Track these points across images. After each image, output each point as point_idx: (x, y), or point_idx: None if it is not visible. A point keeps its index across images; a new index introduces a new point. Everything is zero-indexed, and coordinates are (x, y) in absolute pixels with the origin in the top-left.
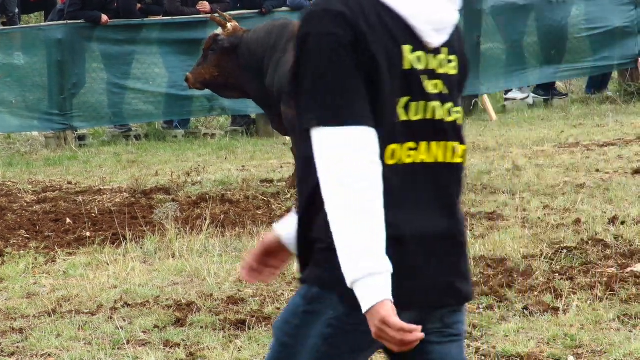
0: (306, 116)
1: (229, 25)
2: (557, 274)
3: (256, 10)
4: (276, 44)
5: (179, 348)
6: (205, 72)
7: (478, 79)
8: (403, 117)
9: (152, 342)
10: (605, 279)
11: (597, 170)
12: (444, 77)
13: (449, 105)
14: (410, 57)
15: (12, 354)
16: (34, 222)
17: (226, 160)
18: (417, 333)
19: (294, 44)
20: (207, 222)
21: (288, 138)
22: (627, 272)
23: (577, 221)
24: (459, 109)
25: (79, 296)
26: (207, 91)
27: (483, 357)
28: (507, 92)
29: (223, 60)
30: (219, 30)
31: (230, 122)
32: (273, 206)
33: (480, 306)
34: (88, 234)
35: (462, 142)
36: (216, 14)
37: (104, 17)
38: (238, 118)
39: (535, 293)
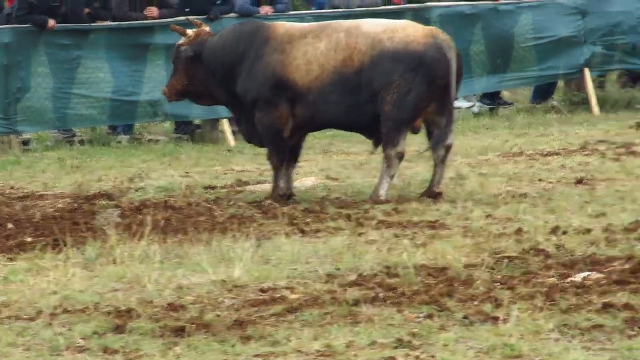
0: None
1: (189, 32)
2: (498, 284)
3: (204, 16)
4: (246, 50)
5: (117, 355)
6: (176, 83)
7: None
8: None
9: (91, 349)
10: (545, 289)
11: (540, 180)
12: None
13: None
14: None
15: None
16: None
17: (170, 167)
18: None
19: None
20: (149, 228)
21: (233, 143)
22: (567, 282)
23: (519, 231)
24: None
25: (19, 302)
26: (150, 96)
27: None
28: None
29: (190, 68)
30: (182, 40)
31: (175, 129)
32: (215, 213)
33: (420, 315)
34: (29, 239)
35: None
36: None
37: (51, 22)
38: (182, 124)
39: (476, 302)
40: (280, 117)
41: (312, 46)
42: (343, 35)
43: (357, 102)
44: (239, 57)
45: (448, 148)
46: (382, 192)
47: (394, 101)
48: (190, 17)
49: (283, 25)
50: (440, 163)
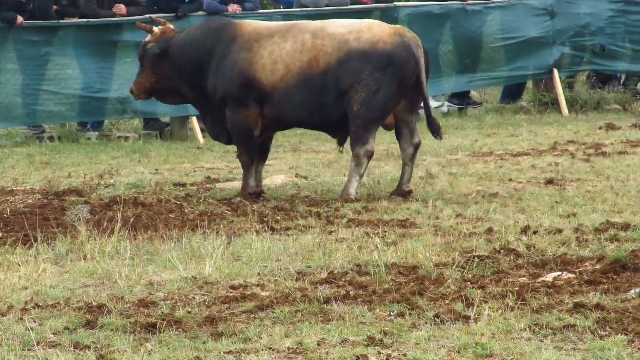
0: None
1: (155, 29)
2: (469, 283)
3: (172, 14)
4: (213, 47)
5: (89, 350)
6: (144, 81)
7: None
8: None
9: (63, 344)
10: (517, 289)
11: (511, 180)
12: None
13: None
14: None
15: None
16: None
17: (139, 164)
18: None
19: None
20: (119, 224)
21: (202, 141)
22: (538, 282)
23: (490, 230)
24: None
25: None
26: (120, 93)
27: None
28: None
29: (157, 66)
30: (148, 37)
31: (143, 126)
32: (186, 210)
33: (391, 314)
34: (0, 235)
35: None
36: (150, 21)
37: (20, 19)
38: (151, 121)
39: (447, 301)
40: (249, 116)
41: (279, 46)
42: (309, 37)
43: (323, 103)
44: (207, 54)
45: (417, 146)
46: (352, 191)
47: (362, 100)
48: (154, 16)
49: (251, 24)
50: (409, 162)
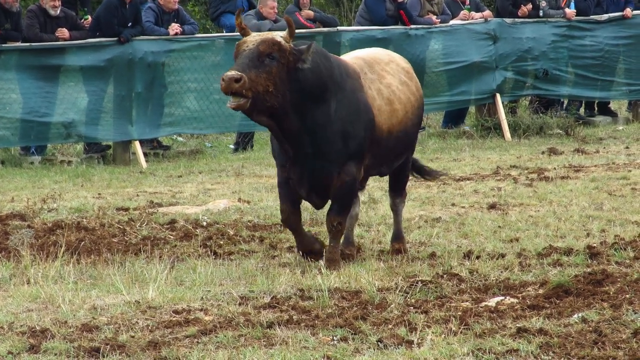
0: None
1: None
2: (412, 307)
3: (114, 39)
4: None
5: None
6: (259, 81)
7: None
8: None
9: None
10: (459, 313)
11: (453, 205)
12: None
13: None
14: None
15: None
16: None
17: (82, 188)
18: None
19: None
20: (63, 249)
21: (145, 165)
22: (481, 307)
23: (433, 255)
24: None
25: None
26: (64, 117)
27: None
28: None
29: (282, 77)
30: (279, 38)
31: (84, 150)
32: (129, 234)
33: (334, 338)
34: None
35: None
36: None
37: None
38: (92, 145)
39: (390, 326)
40: (361, 169)
41: (380, 82)
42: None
43: (405, 146)
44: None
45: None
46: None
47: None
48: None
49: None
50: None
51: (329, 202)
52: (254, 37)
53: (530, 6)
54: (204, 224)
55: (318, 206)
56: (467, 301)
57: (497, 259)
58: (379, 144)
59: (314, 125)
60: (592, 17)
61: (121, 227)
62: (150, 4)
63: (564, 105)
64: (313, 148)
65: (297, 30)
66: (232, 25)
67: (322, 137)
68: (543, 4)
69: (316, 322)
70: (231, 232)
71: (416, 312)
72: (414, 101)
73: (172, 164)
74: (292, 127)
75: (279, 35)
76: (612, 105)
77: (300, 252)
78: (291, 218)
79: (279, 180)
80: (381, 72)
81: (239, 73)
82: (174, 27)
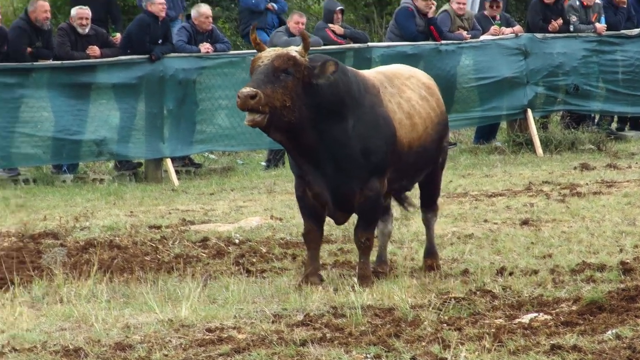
0: None
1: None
2: (445, 324)
3: (145, 56)
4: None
5: None
6: (275, 96)
7: None
8: None
9: None
10: (493, 330)
11: (486, 221)
12: None
13: None
14: None
15: None
16: None
17: (114, 206)
18: None
19: None
20: (95, 267)
21: (177, 183)
22: (515, 323)
23: (465, 272)
24: None
25: None
26: (95, 135)
27: None
28: None
29: (298, 91)
30: (295, 52)
31: (115, 167)
32: (161, 252)
33: (368, 356)
34: None
35: None
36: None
37: None
38: (124, 162)
39: (424, 343)
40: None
41: (401, 97)
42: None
43: (427, 161)
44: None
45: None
46: None
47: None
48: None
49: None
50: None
51: (351, 218)
52: (268, 53)
53: (560, 21)
54: (237, 241)
55: (339, 222)
56: (500, 318)
57: (530, 275)
58: (400, 157)
59: (331, 141)
60: (622, 31)
61: (154, 245)
62: (184, 24)
63: (596, 121)
64: (332, 164)
65: (327, 47)
66: (263, 41)
67: (340, 154)
68: (573, 18)
69: (349, 339)
70: (264, 250)
71: (449, 329)
72: (434, 117)
73: (204, 181)
74: (309, 143)
75: (294, 50)
76: None
77: (303, 275)
78: (311, 234)
79: (297, 193)
80: (401, 86)
81: (254, 90)
82: (205, 47)
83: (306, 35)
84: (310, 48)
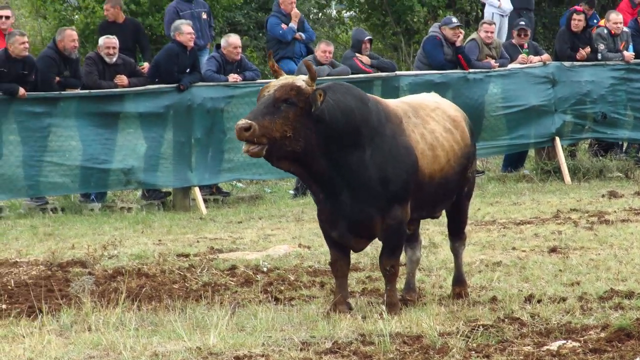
0: None
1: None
2: (474, 352)
3: (173, 85)
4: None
5: None
6: (272, 127)
7: None
8: None
9: None
10: (521, 358)
11: (514, 249)
12: None
13: None
14: None
15: None
16: None
17: (142, 234)
18: None
19: None
20: (123, 295)
21: (205, 212)
22: (543, 351)
23: (494, 299)
24: None
25: None
26: (123, 164)
27: None
28: None
29: (299, 121)
30: (300, 82)
31: (142, 195)
32: (189, 280)
33: None
34: (4, 306)
35: None
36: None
37: (21, 90)
38: (152, 191)
39: None
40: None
41: (425, 127)
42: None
43: (448, 192)
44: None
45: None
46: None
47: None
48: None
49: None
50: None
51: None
52: (276, 82)
53: (588, 49)
54: (265, 269)
55: (355, 249)
56: (528, 345)
57: (558, 302)
58: (421, 187)
59: (347, 170)
60: None
61: (182, 273)
62: (214, 54)
63: (624, 148)
64: (348, 192)
65: (355, 75)
66: (291, 70)
67: (356, 182)
68: (601, 47)
69: None
70: (292, 278)
71: (478, 356)
72: (458, 150)
73: (232, 209)
74: (321, 170)
75: (301, 79)
76: None
77: (331, 303)
78: (337, 263)
79: (320, 223)
80: (426, 117)
81: (249, 122)
82: (233, 77)
83: (310, 65)
84: (337, 77)
